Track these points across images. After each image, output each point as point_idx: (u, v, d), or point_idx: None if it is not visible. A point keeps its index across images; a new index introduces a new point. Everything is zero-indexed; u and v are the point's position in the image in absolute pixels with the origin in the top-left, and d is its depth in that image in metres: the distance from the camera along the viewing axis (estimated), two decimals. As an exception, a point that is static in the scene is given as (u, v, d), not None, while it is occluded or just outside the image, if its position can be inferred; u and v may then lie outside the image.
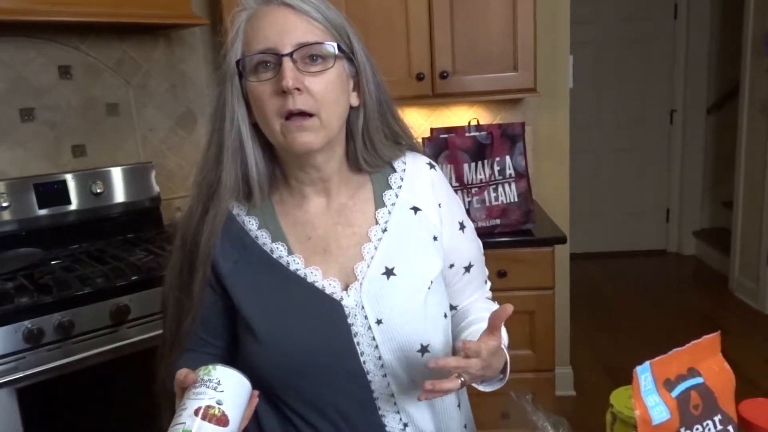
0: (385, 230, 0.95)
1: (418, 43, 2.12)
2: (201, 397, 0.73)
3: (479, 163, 2.00)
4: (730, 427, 0.70)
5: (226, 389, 0.74)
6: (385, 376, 0.91)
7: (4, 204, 1.92)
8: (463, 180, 2.00)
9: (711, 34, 4.51)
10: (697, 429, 0.67)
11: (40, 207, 1.99)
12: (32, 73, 2.03)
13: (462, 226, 1.03)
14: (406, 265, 0.93)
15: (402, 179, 1.00)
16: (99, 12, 1.89)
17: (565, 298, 2.66)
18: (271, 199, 0.97)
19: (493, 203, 1.99)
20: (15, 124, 2.02)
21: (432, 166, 1.03)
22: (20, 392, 1.52)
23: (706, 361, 0.71)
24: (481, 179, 2.00)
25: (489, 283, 1.15)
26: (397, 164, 1.01)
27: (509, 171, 2.00)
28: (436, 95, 2.16)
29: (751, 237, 3.66)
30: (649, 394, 0.65)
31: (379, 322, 0.90)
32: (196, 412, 0.71)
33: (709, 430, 0.68)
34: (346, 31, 0.91)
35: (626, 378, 0.68)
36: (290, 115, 0.85)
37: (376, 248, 0.94)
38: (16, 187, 1.96)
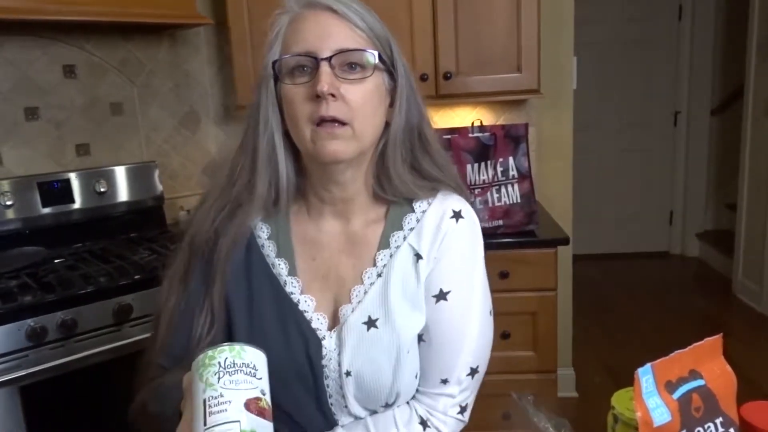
0: (380, 275, 0.90)
1: (421, 43, 2.12)
2: (244, 387, 0.59)
3: (482, 164, 2.00)
4: (731, 430, 0.70)
5: (263, 375, 0.62)
6: (350, 413, 0.89)
7: (8, 202, 1.92)
8: (466, 181, 2.00)
9: (715, 35, 4.50)
10: (699, 431, 0.67)
11: (44, 206, 2.00)
12: (37, 72, 2.04)
13: (441, 297, 0.89)
14: (390, 319, 0.87)
15: (417, 221, 0.92)
16: (104, 11, 1.89)
17: (568, 300, 2.66)
18: (289, 209, 0.94)
19: (496, 204, 1.99)
20: (19, 123, 2.02)
21: (457, 216, 0.92)
22: (23, 390, 1.53)
23: (708, 363, 0.71)
24: (484, 180, 2.00)
25: (453, 396, 0.90)
26: (419, 204, 0.93)
27: (512, 172, 2.00)
28: (440, 96, 2.16)
29: (754, 239, 3.65)
30: (650, 396, 0.65)
31: (348, 373, 0.86)
32: (247, 406, 0.58)
33: (711, 432, 0.68)
34: (389, 43, 0.88)
35: (628, 380, 0.68)
36: (322, 122, 0.82)
37: (365, 292, 0.90)
38: (20, 185, 1.96)
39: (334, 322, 0.90)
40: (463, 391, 0.90)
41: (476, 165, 2.00)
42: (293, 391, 0.88)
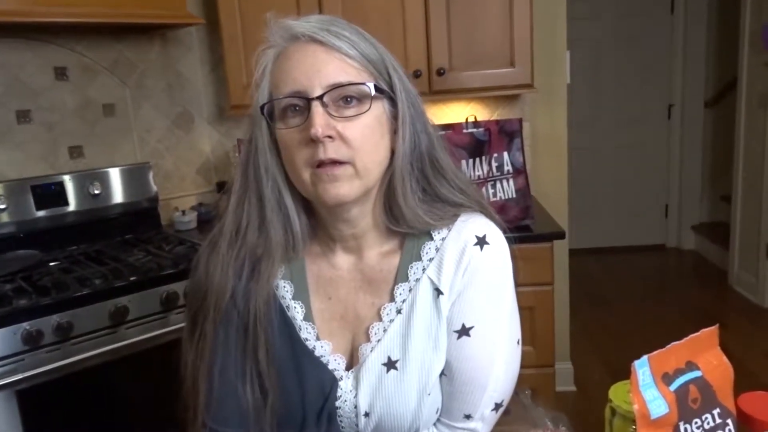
0: (399, 311, 0.85)
1: (414, 40, 2.12)
2: None
3: (477, 159, 2.00)
4: (728, 421, 0.70)
5: None
6: None
7: (2, 206, 1.91)
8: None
9: (708, 28, 4.51)
10: (696, 423, 0.67)
11: (38, 209, 1.99)
12: (28, 75, 2.03)
13: (463, 333, 0.83)
14: (411, 360, 0.83)
15: (437, 250, 0.85)
16: (94, 12, 1.88)
17: (565, 294, 2.66)
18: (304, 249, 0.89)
19: (492, 200, 1.99)
20: (11, 126, 2.01)
21: (482, 243, 0.84)
22: (20, 394, 1.52)
23: (705, 354, 0.71)
24: (479, 176, 2.00)
25: (476, 431, 0.86)
26: (438, 231, 0.86)
27: (507, 167, 2.00)
28: (433, 92, 2.16)
29: (750, 231, 3.66)
30: (647, 388, 0.65)
31: (367, 414, 0.83)
32: None
33: (708, 423, 0.68)
34: (386, 67, 0.81)
35: (626, 373, 0.67)
36: (321, 164, 0.77)
37: (385, 330, 0.85)
38: (13, 189, 1.95)
39: (353, 361, 0.87)
40: (486, 425, 0.87)
41: (471, 161, 2.00)
42: (308, 429, 0.86)
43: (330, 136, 0.76)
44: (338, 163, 0.77)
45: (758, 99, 3.50)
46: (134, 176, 2.20)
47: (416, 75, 2.11)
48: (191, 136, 2.46)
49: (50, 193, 2.02)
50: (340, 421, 0.86)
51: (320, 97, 0.76)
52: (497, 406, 0.86)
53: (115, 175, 2.16)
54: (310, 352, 0.86)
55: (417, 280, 0.85)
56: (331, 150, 0.76)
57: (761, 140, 3.48)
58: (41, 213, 2.00)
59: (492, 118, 2.42)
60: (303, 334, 0.86)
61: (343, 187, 0.78)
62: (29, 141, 2.05)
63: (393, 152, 0.83)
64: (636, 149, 4.73)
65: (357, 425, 0.85)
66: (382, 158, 0.82)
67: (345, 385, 0.85)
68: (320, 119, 0.75)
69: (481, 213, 0.88)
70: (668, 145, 4.73)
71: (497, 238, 0.87)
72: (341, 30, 0.79)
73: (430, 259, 0.85)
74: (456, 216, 0.86)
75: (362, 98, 0.78)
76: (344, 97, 0.77)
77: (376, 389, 0.83)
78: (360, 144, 0.77)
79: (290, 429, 0.87)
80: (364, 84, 0.78)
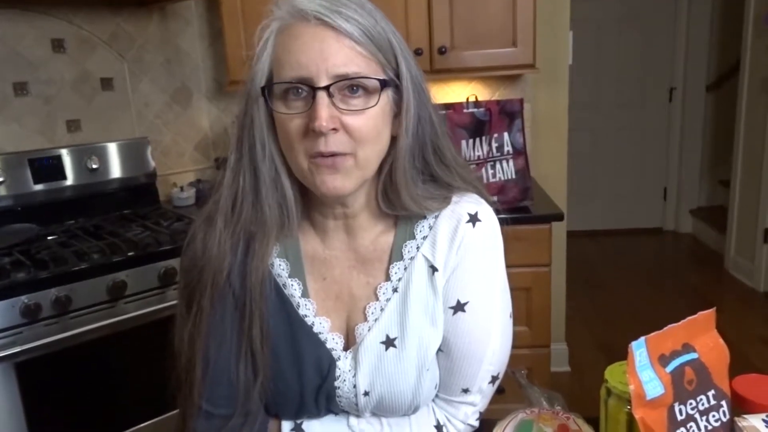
0: (395, 290, 0.85)
1: (416, 18, 2.09)
2: None
3: (477, 139, 1.99)
4: (723, 402, 0.70)
5: None
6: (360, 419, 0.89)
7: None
8: (462, 157, 1.99)
9: (712, 10, 4.46)
10: (691, 404, 0.68)
11: (36, 182, 1.98)
12: (25, 47, 2.01)
13: (458, 309, 0.85)
14: (409, 337, 0.84)
15: (430, 228, 0.86)
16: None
17: (562, 275, 2.67)
18: (297, 227, 0.87)
19: (491, 180, 1.99)
20: (8, 99, 2.00)
21: (474, 220, 0.85)
22: (18, 367, 1.53)
23: (701, 337, 0.71)
24: (479, 156, 1.99)
25: (474, 404, 0.89)
26: (431, 210, 0.86)
27: (507, 148, 1.99)
28: (435, 71, 2.14)
29: (747, 215, 3.66)
30: (643, 369, 0.65)
31: (366, 393, 0.84)
32: None
33: (703, 404, 0.69)
34: (394, 53, 0.78)
35: (620, 354, 0.68)
36: (321, 154, 0.75)
37: (382, 309, 0.85)
38: (10, 162, 1.94)
39: (350, 341, 0.87)
40: (483, 398, 0.89)
41: (471, 141, 1.99)
42: (306, 409, 0.87)
43: (334, 129, 0.74)
44: (339, 154, 0.75)
45: (760, 83, 3.48)
46: (132, 151, 2.19)
47: (417, 53, 2.09)
48: (190, 111, 2.44)
49: (48, 167, 2.01)
50: (339, 401, 0.86)
51: (327, 88, 0.73)
52: (494, 379, 0.88)
53: (113, 149, 2.15)
54: (308, 329, 0.85)
55: (412, 258, 0.85)
56: (333, 143, 0.74)
57: (762, 125, 3.47)
58: (39, 187, 1.99)
59: (493, 98, 2.40)
60: (302, 311, 0.86)
61: (341, 180, 0.76)
62: (27, 114, 2.03)
63: (393, 137, 0.81)
64: (636, 132, 4.72)
65: (356, 404, 0.86)
66: (381, 148, 0.80)
67: (343, 365, 0.85)
68: (325, 111, 0.72)
69: (474, 193, 0.89)
70: (668, 129, 4.71)
71: (489, 215, 0.87)
72: (351, 13, 0.74)
73: (424, 237, 0.85)
74: (449, 198, 0.86)
75: (369, 90, 0.75)
76: (351, 86, 0.74)
77: (375, 368, 0.84)
78: (363, 135, 0.75)
79: (288, 410, 0.87)
80: (372, 78, 0.75)
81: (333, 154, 0.75)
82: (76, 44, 2.11)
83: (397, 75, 0.78)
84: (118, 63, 2.22)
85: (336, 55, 0.73)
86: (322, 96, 0.72)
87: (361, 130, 0.75)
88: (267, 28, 0.78)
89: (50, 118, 2.09)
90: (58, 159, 2.03)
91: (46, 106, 2.07)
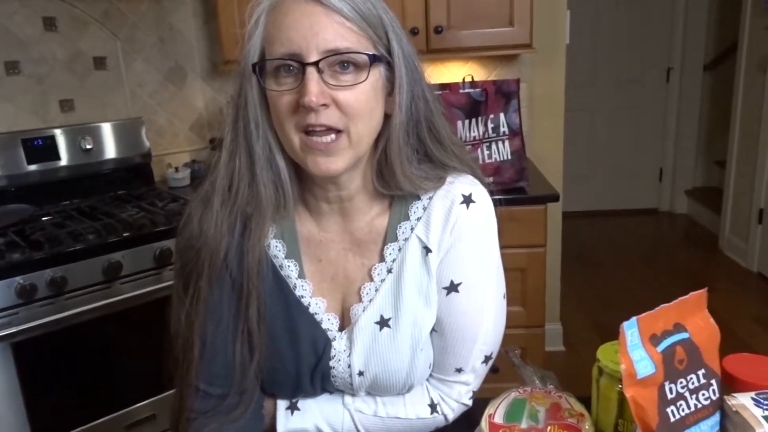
0: (390, 270, 0.86)
1: (412, -4, 2.07)
2: None
3: (473, 120, 1.98)
4: (713, 381, 0.71)
5: None
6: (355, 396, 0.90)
7: (-7, 159, 1.90)
8: (458, 138, 1.99)
9: (711, -11, 4.43)
10: (681, 383, 0.69)
11: (29, 162, 1.97)
12: (16, 25, 1.98)
13: (452, 290, 0.85)
14: (403, 317, 0.85)
15: (424, 209, 0.86)
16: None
17: (557, 256, 2.68)
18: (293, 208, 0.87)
19: (487, 161, 1.99)
20: (0, 78, 1.98)
21: (468, 201, 0.85)
22: (15, 347, 1.54)
23: (693, 317, 0.72)
24: (474, 137, 1.99)
25: (468, 384, 0.90)
26: (426, 191, 0.86)
27: (503, 128, 1.98)
28: (431, 51, 2.12)
29: (742, 196, 3.68)
30: (635, 348, 0.66)
31: (361, 373, 0.85)
32: None
33: (693, 383, 0.69)
34: (385, 29, 0.77)
35: (614, 334, 0.68)
36: (312, 130, 0.74)
37: (376, 290, 0.86)
38: (4, 141, 1.93)
39: (345, 322, 0.88)
40: (477, 378, 0.90)
41: (467, 121, 1.98)
42: (302, 388, 0.88)
43: (324, 104, 0.73)
44: (332, 131, 0.75)
45: (758, 63, 3.47)
46: (126, 131, 2.18)
47: (413, 32, 2.08)
48: (184, 91, 2.42)
49: (41, 147, 2.00)
50: (334, 381, 0.87)
51: (316, 63, 0.73)
52: (487, 359, 0.89)
53: (107, 129, 2.13)
54: (305, 309, 0.86)
55: (406, 239, 0.86)
56: (324, 117, 0.74)
57: (759, 105, 3.46)
58: (33, 167, 1.98)
59: (489, 79, 2.39)
60: (298, 292, 0.86)
61: (334, 161, 0.76)
62: (19, 93, 2.02)
63: (386, 115, 0.81)
64: (632, 112, 4.70)
65: (351, 384, 0.87)
66: (375, 125, 0.80)
67: (338, 345, 0.86)
68: (315, 87, 0.72)
69: (469, 174, 0.89)
70: (665, 109, 4.70)
71: (483, 196, 0.87)
72: None
73: (418, 218, 0.86)
74: (444, 178, 0.86)
75: (360, 65, 0.75)
76: (341, 62, 0.74)
77: (370, 348, 0.85)
78: (354, 111, 0.75)
79: (284, 389, 0.88)
80: (362, 53, 0.75)
81: (326, 129, 0.74)
82: (68, 22, 2.08)
83: (389, 52, 0.78)
84: (111, 42, 2.19)
85: (325, 30, 0.73)
86: (311, 71, 0.73)
87: (353, 105, 0.75)
88: (258, 5, 0.78)
89: (43, 97, 2.07)
90: (52, 139, 2.01)
91: (38, 86, 2.05)
